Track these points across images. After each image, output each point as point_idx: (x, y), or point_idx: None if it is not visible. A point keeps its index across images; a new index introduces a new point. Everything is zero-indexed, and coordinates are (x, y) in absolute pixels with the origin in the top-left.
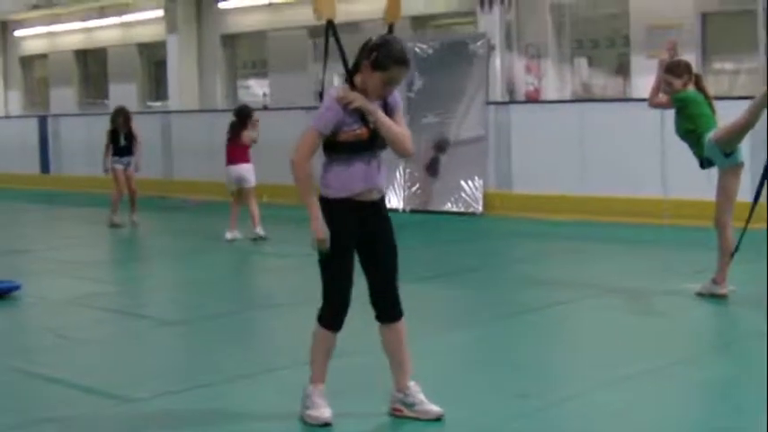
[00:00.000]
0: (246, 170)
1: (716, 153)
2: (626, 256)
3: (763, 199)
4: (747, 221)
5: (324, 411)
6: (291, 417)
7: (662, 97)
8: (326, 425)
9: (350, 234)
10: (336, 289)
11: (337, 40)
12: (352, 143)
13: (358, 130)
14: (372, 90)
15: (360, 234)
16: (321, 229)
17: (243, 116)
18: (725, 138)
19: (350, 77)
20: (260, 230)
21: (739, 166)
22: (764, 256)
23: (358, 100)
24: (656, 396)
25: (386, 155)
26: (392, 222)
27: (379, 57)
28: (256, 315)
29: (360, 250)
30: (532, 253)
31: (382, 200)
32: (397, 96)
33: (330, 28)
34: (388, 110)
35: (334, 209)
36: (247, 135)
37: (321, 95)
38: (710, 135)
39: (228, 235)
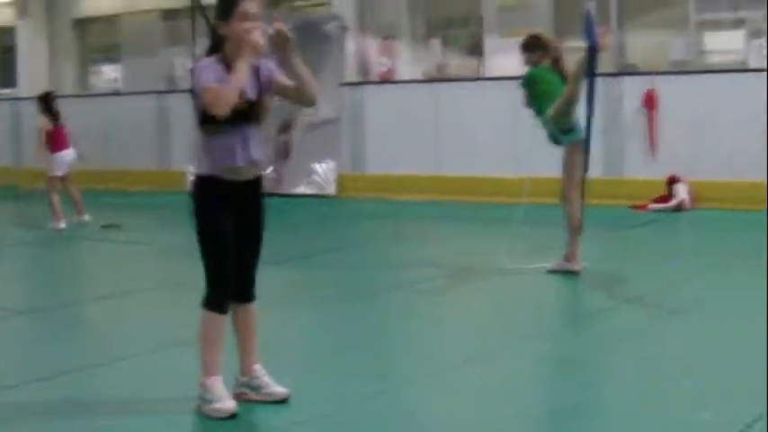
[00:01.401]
0: (73, 155)
1: (554, 130)
2: (479, 236)
3: (642, 176)
4: (582, 197)
5: (228, 403)
6: (146, 403)
7: None
8: (233, 416)
9: (228, 215)
10: (220, 271)
11: (206, 18)
12: (230, 114)
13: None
14: (239, 41)
15: (236, 215)
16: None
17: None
18: (556, 113)
19: (210, 51)
20: (87, 217)
21: (579, 142)
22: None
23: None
24: (506, 373)
25: None
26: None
27: (223, 5)
28: (108, 302)
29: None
30: (385, 235)
31: (259, 180)
32: (272, 66)
33: (198, 5)
34: (263, 84)
35: (212, 189)
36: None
37: (192, 71)
38: (547, 114)
39: (62, 224)
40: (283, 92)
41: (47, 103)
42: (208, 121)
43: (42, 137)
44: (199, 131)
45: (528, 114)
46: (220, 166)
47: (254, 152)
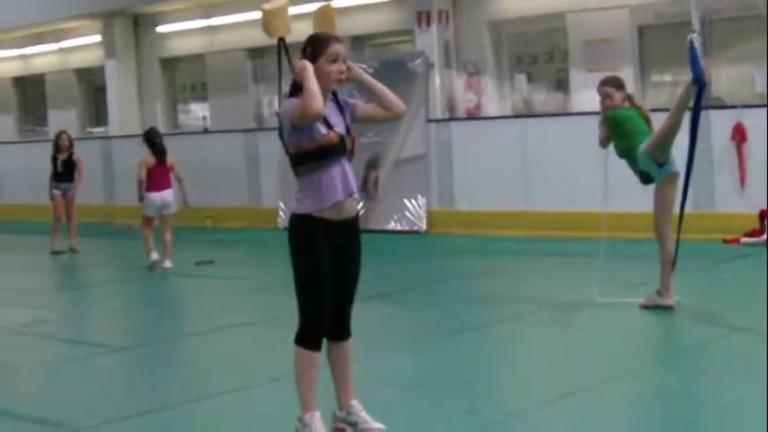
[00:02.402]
0: (171, 196)
1: (650, 164)
2: (570, 271)
3: (733, 209)
4: (678, 231)
5: None
6: None
7: (603, 130)
8: None
9: (326, 253)
10: (315, 308)
11: (288, 59)
12: (323, 148)
13: (327, 134)
14: (326, 79)
15: (334, 253)
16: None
17: (161, 140)
18: (654, 146)
19: (291, 93)
20: (168, 263)
21: (674, 175)
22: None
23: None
24: (601, 410)
25: None
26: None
27: (313, 46)
28: (201, 339)
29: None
30: (476, 269)
31: (357, 218)
32: (351, 99)
33: (282, 46)
34: (346, 113)
35: (311, 227)
36: (171, 158)
37: (278, 114)
38: (642, 146)
39: (154, 255)
40: (370, 115)
41: (149, 140)
42: (304, 162)
43: (140, 172)
44: (295, 172)
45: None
46: (323, 203)
47: (351, 184)
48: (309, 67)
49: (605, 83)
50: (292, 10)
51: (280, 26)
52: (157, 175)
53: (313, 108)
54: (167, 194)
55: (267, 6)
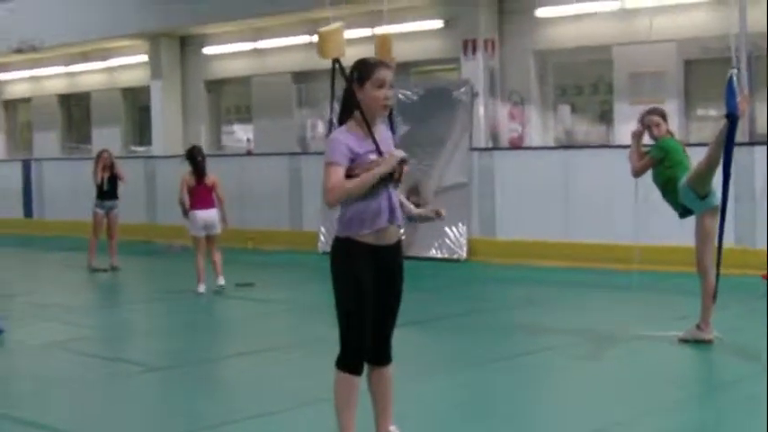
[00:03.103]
0: (215, 215)
1: (691, 197)
2: (610, 303)
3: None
4: (718, 265)
5: None
6: None
7: (645, 159)
8: None
9: (368, 277)
10: (357, 332)
11: (346, 78)
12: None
13: (376, 161)
14: (373, 104)
15: (376, 278)
16: (384, 161)
17: (202, 159)
18: (696, 178)
19: (340, 117)
20: (221, 280)
21: (715, 209)
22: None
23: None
24: None
25: None
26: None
27: (360, 70)
28: (239, 361)
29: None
30: (516, 299)
31: (399, 243)
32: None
33: (338, 67)
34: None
35: (356, 251)
36: (213, 177)
37: (329, 132)
38: (684, 180)
39: (201, 288)
40: None
41: (190, 157)
42: None
43: (181, 191)
44: None
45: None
46: (365, 230)
47: (397, 213)
48: (378, 168)
49: (652, 112)
50: (347, 34)
51: (334, 48)
52: (199, 194)
53: (329, 202)
54: (211, 213)
55: (323, 29)
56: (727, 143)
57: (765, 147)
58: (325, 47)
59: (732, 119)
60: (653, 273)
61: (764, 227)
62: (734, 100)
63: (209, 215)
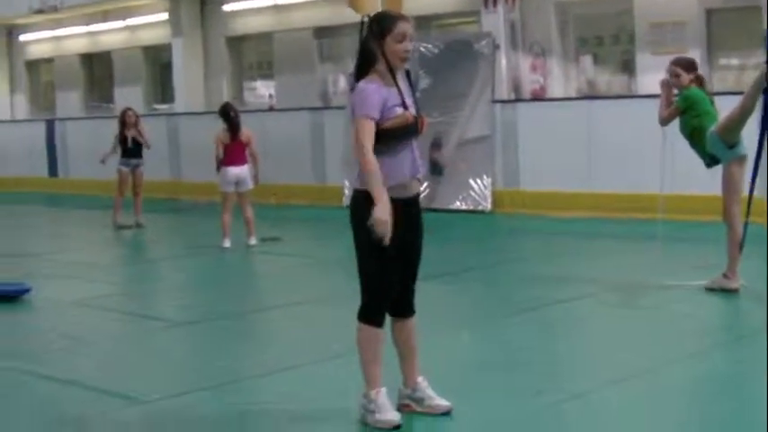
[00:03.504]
0: (246, 172)
1: (719, 146)
2: (635, 253)
3: (761, 195)
4: (747, 214)
5: (392, 414)
6: (310, 413)
7: (671, 108)
8: (396, 427)
9: (391, 229)
10: (379, 284)
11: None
12: (399, 128)
13: (403, 114)
14: (395, 57)
15: (396, 231)
16: (384, 211)
17: (236, 114)
18: (727, 127)
19: (359, 70)
20: (253, 240)
21: (743, 158)
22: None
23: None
24: (663, 392)
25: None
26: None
27: (380, 24)
28: (265, 316)
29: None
30: (540, 250)
31: (418, 196)
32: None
33: (368, 22)
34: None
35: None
36: (248, 133)
37: (352, 89)
38: (712, 128)
39: (227, 243)
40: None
41: (224, 114)
42: (377, 140)
43: (217, 149)
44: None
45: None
46: (388, 183)
47: (419, 167)
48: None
49: (675, 62)
50: None
51: (367, 3)
52: (232, 150)
53: (356, 155)
54: (242, 170)
55: None
56: (766, 92)
57: None
58: (359, 1)
59: None
60: (679, 222)
61: None
62: None
63: (241, 171)
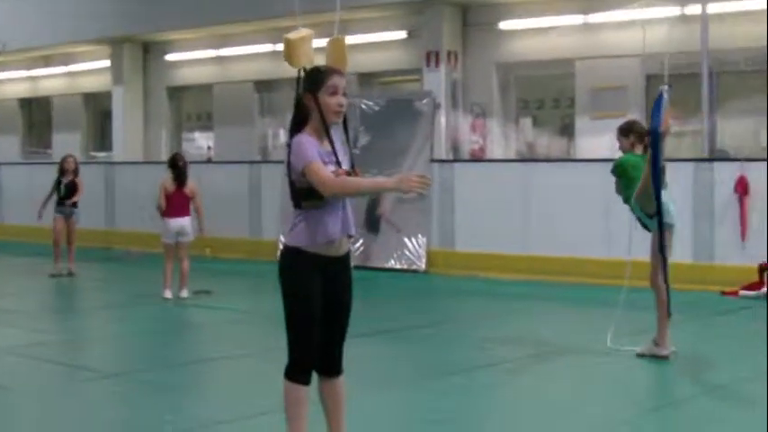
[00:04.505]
0: (188, 223)
1: (641, 214)
2: (567, 316)
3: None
4: (666, 280)
5: None
6: None
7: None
8: None
9: (317, 287)
10: (304, 341)
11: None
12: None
13: (334, 170)
14: (328, 112)
15: (324, 288)
16: (392, 181)
17: (184, 164)
18: (637, 197)
19: (295, 125)
20: (184, 293)
21: (666, 226)
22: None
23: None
24: None
25: None
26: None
27: (313, 78)
28: (197, 368)
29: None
30: (473, 312)
31: (348, 253)
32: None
33: (304, 75)
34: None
35: (304, 261)
36: (192, 186)
37: (288, 145)
38: (633, 197)
39: (168, 293)
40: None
41: (172, 164)
42: (309, 197)
43: (160, 197)
44: (297, 204)
45: (617, 198)
46: (318, 241)
47: (351, 226)
48: (384, 182)
49: (618, 129)
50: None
51: (302, 56)
52: (176, 202)
53: (326, 193)
54: (185, 221)
55: (291, 36)
56: (652, 159)
57: (723, 163)
58: (294, 54)
59: (654, 135)
60: (616, 287)
61: (723, 243)
62: (658, 117)
63: (183, 223)
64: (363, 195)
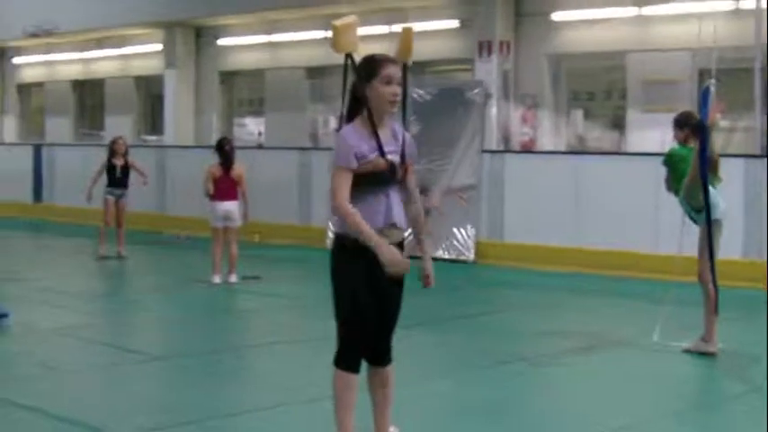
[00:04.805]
0: (236, 208)
1: (688, 209)
2: (616, 310)
3: (760, 259)
4: (713, 278)
5: None
6: None
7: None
8: None
9: (367, 276)
10: (353, 330)
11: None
12: (371, 175)
13: (375, 160)
14: (380, 103)
15: (374, 277)
16: (389, 251)
17: (230, 148)
18: (685, 192)
19: (349, 113)
20: (233, 278)
21: (714, 222)
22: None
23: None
24: None
25: None
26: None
27: (367, 68)
28: (243, 353)
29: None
30: (521, 303)
31: (402, 243)
32: (411, 143)
33: (350, 62)
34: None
35: (352, 249)
36: (240, 170)
37: (340, 127)
38: (681, 193)
39: (216, 278)
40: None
41: (219, 147)
42: (352, 184)
43: (206, 182)
44: None
45: (667, 191)
46: None
47: (395, 215)
48: (378, 246)
49: (673, 121)
50: (361, 30)
51: (348, 43)
52: (223, 186)
53: (333, 205)
54: (231, 206)
55: (338, 22)
56: (700, 152)
57: None
58: (339, 40)
59: (702, 129)
60: (668, 282)
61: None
62: (705, 110)
63: (230, 207)
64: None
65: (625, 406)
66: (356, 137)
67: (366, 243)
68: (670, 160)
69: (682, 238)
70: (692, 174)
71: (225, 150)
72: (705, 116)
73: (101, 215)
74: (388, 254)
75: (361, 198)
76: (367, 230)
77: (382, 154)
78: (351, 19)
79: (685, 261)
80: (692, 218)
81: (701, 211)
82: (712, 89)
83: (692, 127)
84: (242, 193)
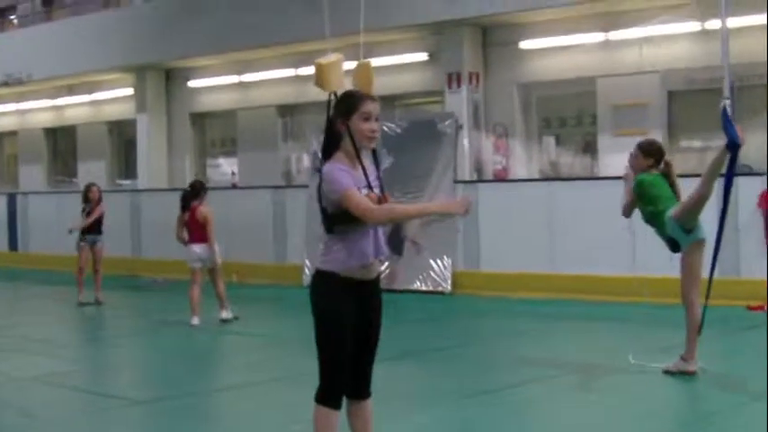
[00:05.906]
0: (203, 249)
1: (677, 231)
2: (594, 335)
3: (759, 276)
4: (707, 297)
5: None
6: None
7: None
8: None
9: (348, 311)
10: (336, 365)
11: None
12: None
13: (365, 194)
14: (359, 138)
15: (356, 312)
16: (444, 204)
17: (197, 190)
18: (684, 212)
19: (324, 150)
20: (224, 314)
21: (701, 242)
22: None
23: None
24: None
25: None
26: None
27: (346, 103)
28: (222, 396)
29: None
30: (501, 331)
31: (378, 277)
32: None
33: (334, 99)
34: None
35: (336, 285)
36: (205, 212)
37: (318, 170)
38: (670, 212)
39: (195, 320)
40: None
41: (191, 191)
42: (342, 221)
43: (176, 226)
44: (329, 229)
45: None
46: (352, 264)
47: (383, 248)
48: (430, 206)
49: (638, 144)
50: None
51: (333, 81)
52: (191, 228)
53: (369, 221)
54: (199, 248)
55: (323, 61)
56: (728, 172)
57: (746, 177)
58: (326, 79)
59: (734, 148)
60: (643, 305)
61: (748, 257)
62: (733, 129)
63: (200, 249)
64: (411, 220)
65: (611, 429)
66: (348, 173)
67: (424, 214)
68: (641, 188)
69: (648, 261)
70: (702, 194)
71: (184, 195)
72: (735, 135)
73: (76, 262)
74: (447, 205)
75: (353, 234)
76: (414, 208)
77: (370, 188)
78: (335, 57)
79: (655, 282)
80: (674, 241)
81: (691, 232)
82: (728, 108)
83: (659, 156)
84: (207, 236)
